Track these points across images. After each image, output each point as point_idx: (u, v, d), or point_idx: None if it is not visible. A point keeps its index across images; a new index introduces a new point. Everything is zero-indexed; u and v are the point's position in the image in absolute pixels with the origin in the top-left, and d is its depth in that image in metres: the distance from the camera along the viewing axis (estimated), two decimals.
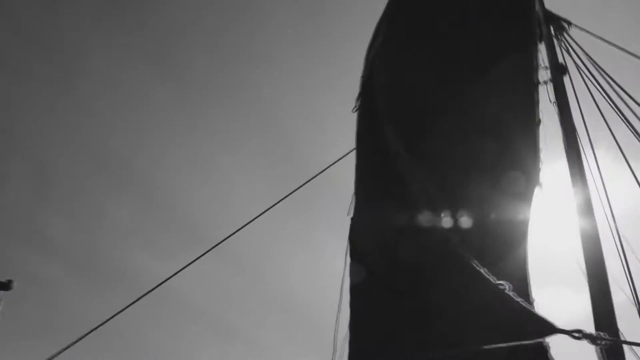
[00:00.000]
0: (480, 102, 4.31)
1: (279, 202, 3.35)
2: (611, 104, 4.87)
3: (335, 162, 4.64)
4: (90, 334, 4.05)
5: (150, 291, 4.08)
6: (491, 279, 3.02)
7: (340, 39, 20.85)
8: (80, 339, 4.06)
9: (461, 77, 4.22)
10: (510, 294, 2.95)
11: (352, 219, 3.87)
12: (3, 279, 4.98)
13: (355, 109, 4.11)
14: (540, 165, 4.20)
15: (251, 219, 3.46)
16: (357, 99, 4.12)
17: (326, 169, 4.26)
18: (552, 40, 5.62)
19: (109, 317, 4.13)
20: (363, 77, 4.12)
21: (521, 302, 2.95)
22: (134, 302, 4.14)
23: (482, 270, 3.08)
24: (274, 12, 19.94)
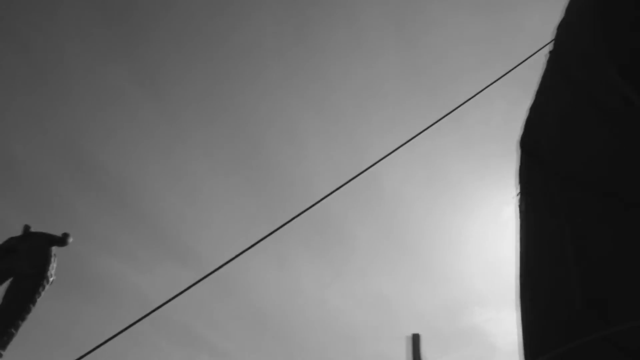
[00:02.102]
0: None
1: (281, 227, 3.42)
2: None
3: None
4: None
5: (146, 315, 4.16)
6: None
7: (326, 63, 21.23)
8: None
9: None
10: None
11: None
12: (58, 233, 4.91)
13: None
14: None
15: (249, 246, 3.56)
16: None
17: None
18: None
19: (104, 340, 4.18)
20: None
21: None
22: (131, 326, 4.21)
23: None
24: (260, 34, 20.25)
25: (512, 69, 4.42)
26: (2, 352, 4.66)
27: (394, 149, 3.43)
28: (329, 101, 22.14)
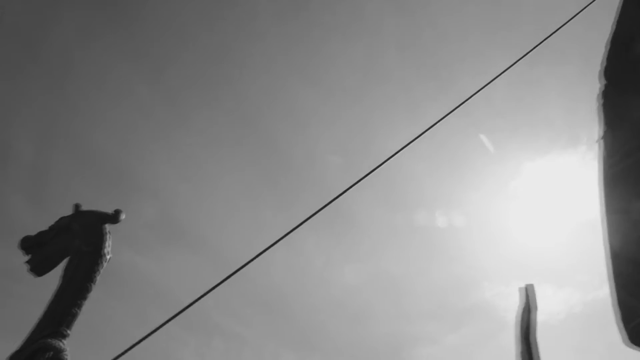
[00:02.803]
0: None
1: (306, 220, 2.72)
2: None
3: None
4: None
5: (178, 314, 3.73)
6: None
7: (324, 39, 19.59)
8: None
9: None
10: None
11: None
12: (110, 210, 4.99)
13: None
14: None
15: (273, 242, 2.89)
16: None
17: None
18: None
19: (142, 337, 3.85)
20: None
21: None
22: (168, 321, 3.84)
23: None
24: (256, 11, 18.99)
25: (537, 46, 3.75)
26: (69, 332, 4.62)
27: (410, 141, 2.93)
28: (328, 75, 20.39)
